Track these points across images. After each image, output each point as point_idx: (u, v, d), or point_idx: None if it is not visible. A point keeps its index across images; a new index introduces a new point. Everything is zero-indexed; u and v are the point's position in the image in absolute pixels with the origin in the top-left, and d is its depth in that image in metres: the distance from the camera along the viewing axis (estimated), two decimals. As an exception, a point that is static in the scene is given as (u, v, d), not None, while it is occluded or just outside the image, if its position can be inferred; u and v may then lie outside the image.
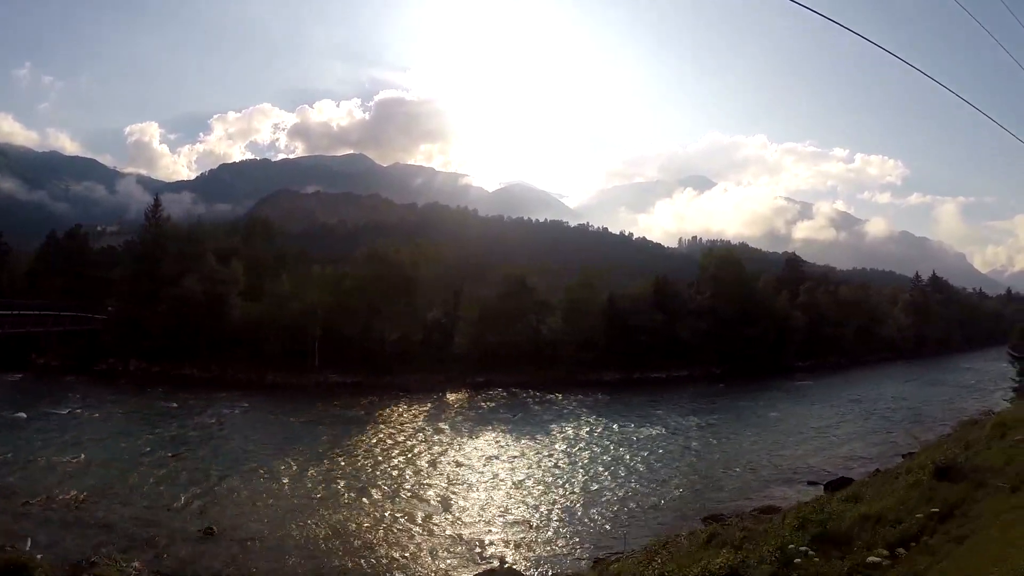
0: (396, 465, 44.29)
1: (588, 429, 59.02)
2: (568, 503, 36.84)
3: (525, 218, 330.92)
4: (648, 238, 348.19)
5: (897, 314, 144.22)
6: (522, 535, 31.58)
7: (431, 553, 29.17)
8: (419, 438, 53.38)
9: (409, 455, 47.39)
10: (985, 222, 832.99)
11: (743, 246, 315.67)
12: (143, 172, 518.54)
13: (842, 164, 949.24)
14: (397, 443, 51.27)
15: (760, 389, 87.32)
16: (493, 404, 73.23)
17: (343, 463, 44.58)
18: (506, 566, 27.54)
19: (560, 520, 33.83)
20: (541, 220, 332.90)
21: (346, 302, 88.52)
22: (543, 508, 35.80)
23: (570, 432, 57.65)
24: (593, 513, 35.04)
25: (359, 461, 45.39)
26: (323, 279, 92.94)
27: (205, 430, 53.24)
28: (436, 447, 50.51)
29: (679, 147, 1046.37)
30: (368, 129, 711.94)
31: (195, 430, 52.93)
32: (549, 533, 32.00)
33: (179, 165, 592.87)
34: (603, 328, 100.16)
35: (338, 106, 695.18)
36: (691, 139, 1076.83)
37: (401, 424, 59.27)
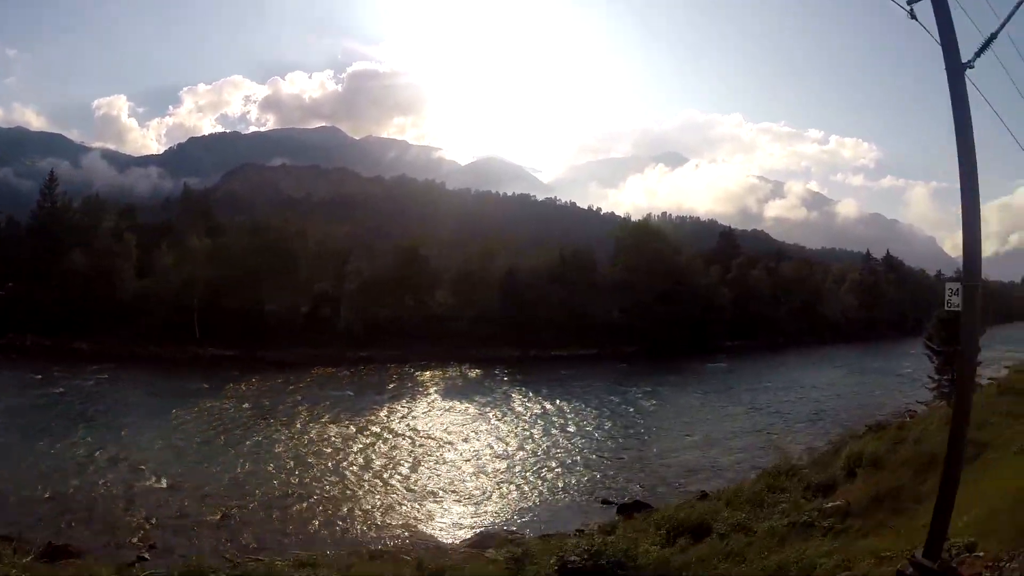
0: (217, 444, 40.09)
1: (410, 409, 53.92)
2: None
3: (492, 191, 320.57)
4: (617, 213, 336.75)
5: (845, 294, 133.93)
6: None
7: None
8: (261, 414, 49.51)
9: (234, 433, 43.14)
10: (956, 207, 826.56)
11: (712, 222, 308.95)
12: (111, 147, 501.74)
13: (817, 145, 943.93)
14: (235, 420, 47.41)
15: (666, 372, 78.68)
16: (357, 380, 68.73)
17: (174, 436, 41.14)
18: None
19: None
20: (508, 194, 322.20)
21: (227, 274, 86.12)
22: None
23: (383, 415, 50.91)
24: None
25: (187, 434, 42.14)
26: (202, 251, 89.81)
27: (48, 399, 51.58)
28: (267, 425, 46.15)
29: (655, 124, 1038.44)
30: (341, 102, 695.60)
31: (41, 399, 51.35)
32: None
33: (148, 139, 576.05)
34: (499, 302, 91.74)
35: (310, 78, 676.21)
36: (667, 116, 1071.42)
37: (251, 399, 55.64)
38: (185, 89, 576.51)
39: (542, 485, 33.70)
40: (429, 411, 53.39)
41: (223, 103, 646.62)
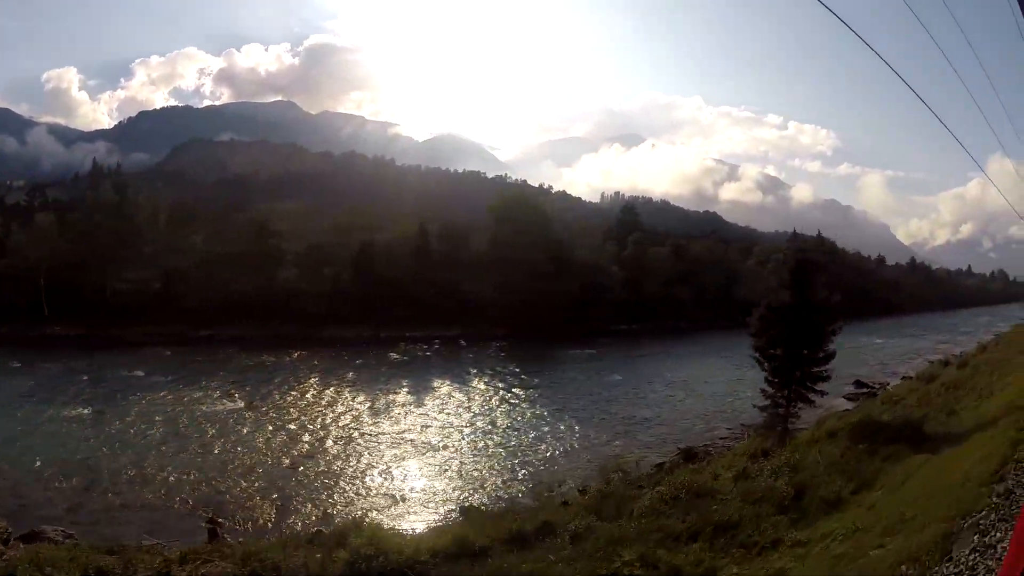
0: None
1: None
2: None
3: (443, 168, 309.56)
4: (571, 192, 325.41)
5: (767, 276, 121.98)
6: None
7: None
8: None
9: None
10: (910, 196, 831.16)
11: (664, 203, 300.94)
12: (61, 121, 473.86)
13: (776, 131, 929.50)
14: None
15: (523, 358, 69.03)
16: (183, 361, 63.30)
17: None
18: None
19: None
20: (459, 170, 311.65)
21: (73, 250, 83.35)
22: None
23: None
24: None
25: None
26: (47, 228, 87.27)
27: None
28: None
29: (616, 105, 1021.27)
30: (297, 76, 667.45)
31: None
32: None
33: (99, 113, 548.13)
34: (351, 279, 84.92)
35: (267, 51, 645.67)
36: (629, 98, 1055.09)
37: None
38: (138, 61, 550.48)
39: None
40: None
41: (177, 76, 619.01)
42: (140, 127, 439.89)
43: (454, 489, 30.09)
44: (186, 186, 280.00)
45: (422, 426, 41.69)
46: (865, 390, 52.31)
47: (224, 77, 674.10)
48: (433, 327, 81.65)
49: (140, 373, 56.22)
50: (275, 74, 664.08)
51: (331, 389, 52.08)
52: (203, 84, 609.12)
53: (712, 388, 55.11)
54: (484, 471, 32.62)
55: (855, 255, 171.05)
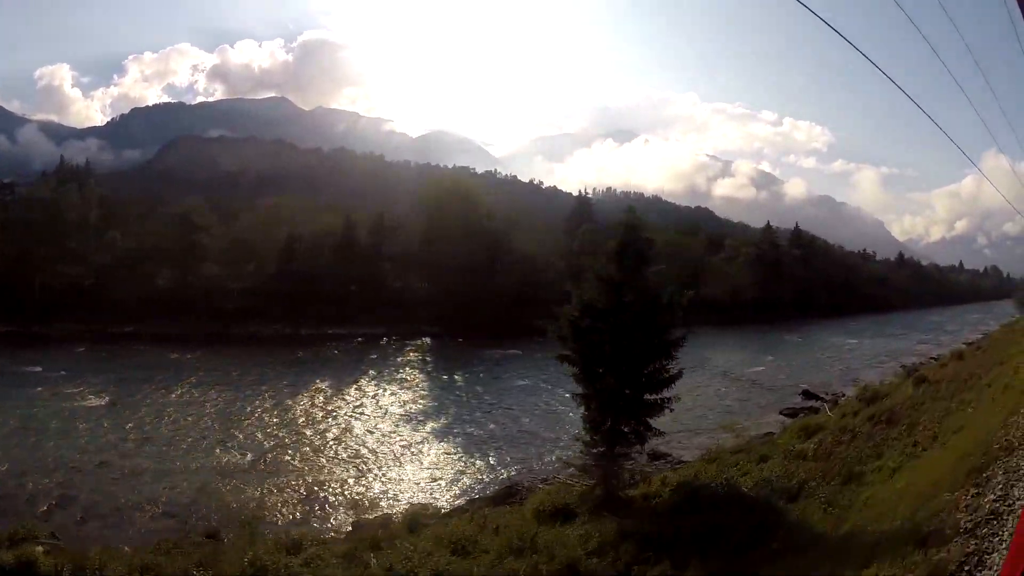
0: None
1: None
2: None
3: (433, 164, 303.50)
4: (563, 188, 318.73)
5: (737, 271, 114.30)
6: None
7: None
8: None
9: None
10: (905, 193, 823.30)
11: (656, 199, 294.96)
12: (53, 118, 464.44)
13: (771, 127, 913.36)
14: None
15: (439, 358, 64.69)
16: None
17: None
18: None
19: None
20: (448, 166, 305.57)
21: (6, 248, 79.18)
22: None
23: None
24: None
25: None
26: None
27: None
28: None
29: (611, 101, 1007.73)
30: (291, 72, 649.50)
31: None
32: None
33: (92, 110, 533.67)
34: (275, 275, 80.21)
35: (260, 46, 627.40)
36: (622, 94, 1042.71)
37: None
38: (131, 57, 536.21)
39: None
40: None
41: (170, 72, 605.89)
42: (132, 124, 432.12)
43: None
44: (176, 184, 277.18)
45: (256, 431, 36.68)
46: (810, 403, 44.20)
47: (217, 73, 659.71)
48: (358, 324, 75.47)
49: (38, 369, 52.81)
50: (269, 70, 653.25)
51: (212, 389, 47.14)
52: (196, 81, 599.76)
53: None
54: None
55: (839, 249, 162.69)
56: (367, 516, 24.82)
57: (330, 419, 39.70)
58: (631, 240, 21.42)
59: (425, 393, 48.99)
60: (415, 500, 26.73)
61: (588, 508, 20.41)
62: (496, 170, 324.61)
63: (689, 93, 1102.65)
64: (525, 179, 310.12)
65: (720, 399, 46.10)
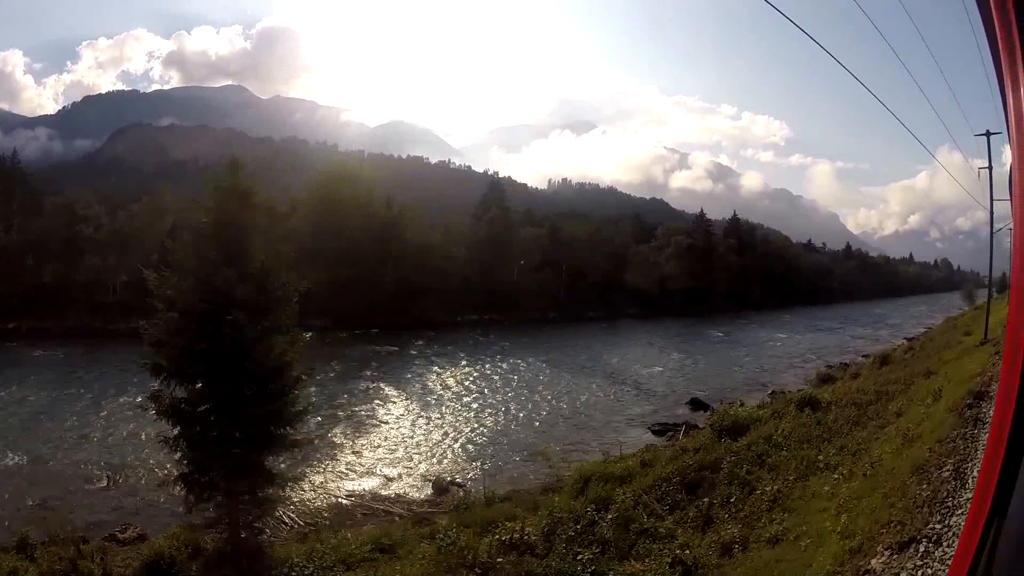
0: None
1: None
2: None
3: (387, 154, 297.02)
4: (519, 179, 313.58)
5: (667, 261, 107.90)
6: None
7: None
8: None
9: None
10: (860, 187, 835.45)
11: (611, 190, 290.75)
12: (4, 106, 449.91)
13: (730, 121, 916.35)
14: None
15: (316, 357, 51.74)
16: None
17: None
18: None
19: None
20: (403, 156, 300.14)
21: None
22: None
23: None
24: None
25: None
26: None
27: None
28: None
29: (570, 93, 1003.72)
30: (248, 59, 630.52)
31: None
32: None
33: (44, 97, 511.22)
34: (155, 267, 66.55)
35: (218, 33, 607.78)
36: (583, 86, 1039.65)
37: None
38: (85, 44, 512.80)
39: None
40: None
41: (125, 59, 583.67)
42: (84, 112, 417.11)
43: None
44: (125, 173, 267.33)
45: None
46: (696, 415, 37.29)
47: (173, 60, 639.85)
48: None
49: None
50: (226, 58, 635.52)
51: (43, 391, 41.14)
52: (152, 68, 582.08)
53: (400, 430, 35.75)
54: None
55: (783, 240, 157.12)
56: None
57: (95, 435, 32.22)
58: (231, 207, 14.25)
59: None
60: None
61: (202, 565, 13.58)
62: (450, 160, 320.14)
63: (649, 86, 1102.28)
64: (482, 169, 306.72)
65: (584, 409, 38.86)
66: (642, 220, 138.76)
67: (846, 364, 52.72)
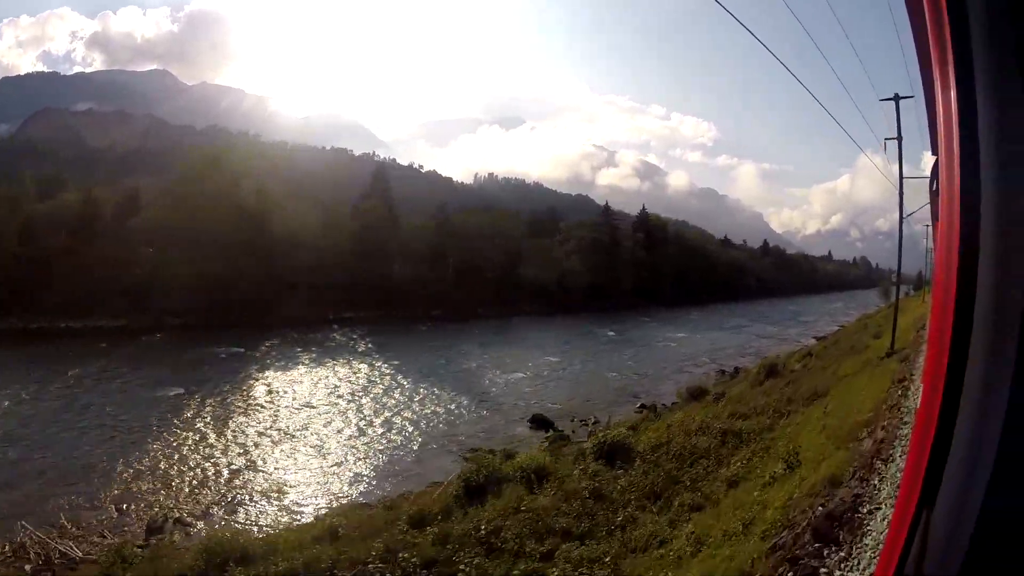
0: None
1: None
2: None
3: (312, 145, 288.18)
4: (445, 173, 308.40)
5: (567, 256, 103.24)
6: None
7: None
8: None
9: None
10: (785, 188, 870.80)
11: (537, 185, 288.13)
12: None
13: (659, 121, 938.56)
14: None
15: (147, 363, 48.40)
16: None
17: None
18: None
19: None
20: (327, 148, 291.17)
21: None
22: None
23: None
24: None
25: None
26: None
27: None
28: None
29: (500, 88, 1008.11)
30: (176, 43, 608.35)
31: None
32: None
33: None
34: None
35: (145, 15, 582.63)
36: (513, 82, 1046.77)
37: None
38: (5, 21, 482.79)
39: None
40: None
41: (47, 38, 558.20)
42: (2, 95, 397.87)
43: None
44: (38, 160, 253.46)
45: None
46: (539, 433, 32.07)
47: (97, 42, 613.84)
48: (98, 316, 63.32)
49: None
50: (152, 40, 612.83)
51: None
52: (75, 49, 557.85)
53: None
54: None
55: (698, 235, 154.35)
56: None
57: None
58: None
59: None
60: None
61: None
62: (374, 153, 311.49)
63: (580, 84, 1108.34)
64: (407, 163, 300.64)
65: (401, 431, 32.83)
66: (558, 215, 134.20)
67: (735, 371, 47.89)
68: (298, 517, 21.08)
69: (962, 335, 1.56)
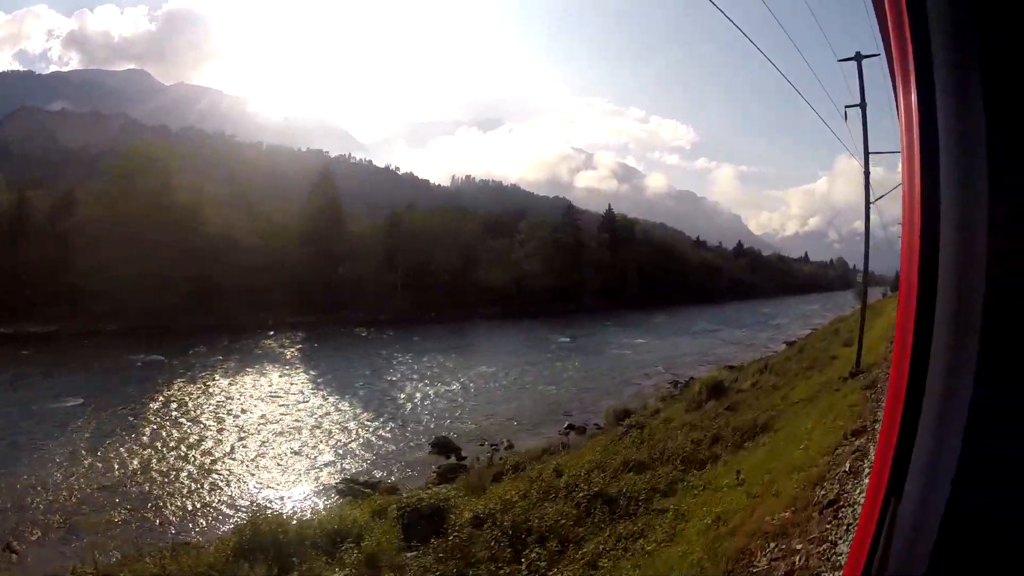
0: None
1: None
2: None
3: (289, 147, 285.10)
4: (422, 175, 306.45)
5: (526, 258, 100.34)
6: None
7: None
8: None
9: None
10: (763, 190, 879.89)
11: (515, 187, 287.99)
12: None
13: (638, 124, 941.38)
14: None
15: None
16: None
17: None
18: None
19: None
20: (303, 149, 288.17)
21: None
22: None
23: None
24: None
25: None
26: None
27: None
28: None
29: (479, 90, 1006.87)
30: (153, 42, 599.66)
31: None
32: None
33: None
34: None
35: (122, 13, 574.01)
36: (492, 84, 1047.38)
37: None
38: None
39: None
40: None
41: (23, 36, 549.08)
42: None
43: None
44: (9, 161, 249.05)
45: None
46: (442, 462, 28.82)
47: (74, 40, 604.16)
48: (29, 321, 60.39)
49: None
50: (129, 39, 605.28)
51: None
52: (51, 47, 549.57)
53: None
54: None
55: (668, 235, 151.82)
56: None
57: None
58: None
59: None
60: None
61: None
62: (351, 154, 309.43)
63: (559, 86, 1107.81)
64: (384, 164, 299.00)
65: (269, 454, 29.25)
66: (530, 216, 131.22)
67: (688, 383, 42.40)
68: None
69: (925, 333, 1.61)
